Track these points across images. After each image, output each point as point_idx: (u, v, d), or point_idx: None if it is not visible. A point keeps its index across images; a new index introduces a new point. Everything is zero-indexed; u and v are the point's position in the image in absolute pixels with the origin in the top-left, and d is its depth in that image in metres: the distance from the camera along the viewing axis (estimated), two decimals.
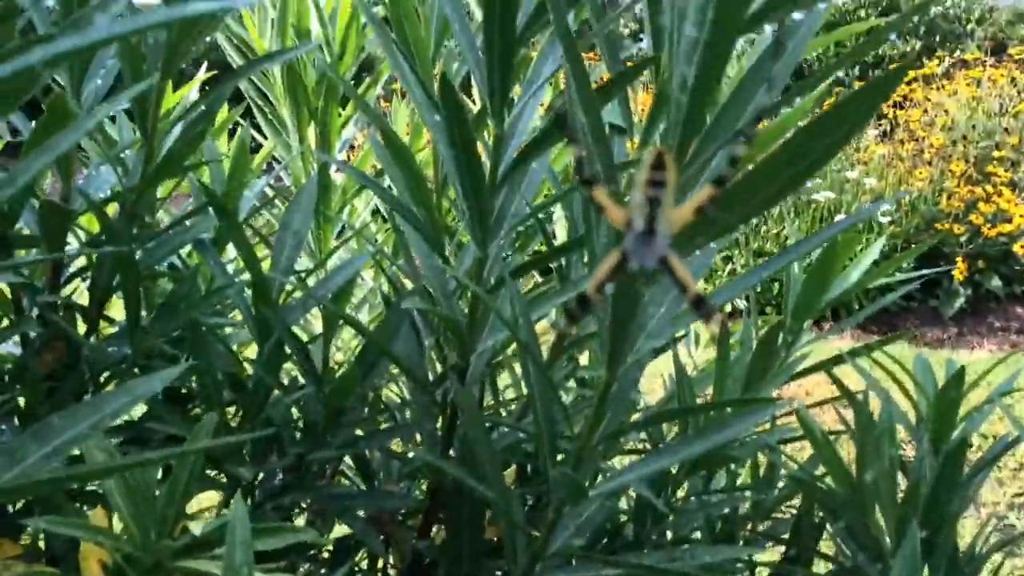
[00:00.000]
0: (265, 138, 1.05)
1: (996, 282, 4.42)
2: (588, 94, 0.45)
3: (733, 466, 0.84)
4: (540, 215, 0.70)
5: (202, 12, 0.23)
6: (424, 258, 0.71)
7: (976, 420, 0.86)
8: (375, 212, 1.12)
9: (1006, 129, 4.64)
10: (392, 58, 0.68)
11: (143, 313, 0.71)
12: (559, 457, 0.60)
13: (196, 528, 0.51)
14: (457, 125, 0.57)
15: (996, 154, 4.58)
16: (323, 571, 0.69)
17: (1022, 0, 7.35)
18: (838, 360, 0.92)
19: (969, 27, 7.04)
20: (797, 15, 0.42)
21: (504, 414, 0.84)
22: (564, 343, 0.78)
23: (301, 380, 0.72)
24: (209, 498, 0.78)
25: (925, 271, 4.29)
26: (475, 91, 0.98)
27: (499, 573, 0.70)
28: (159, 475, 0.62)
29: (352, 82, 1.04)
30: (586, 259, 0.73)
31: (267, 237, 0.84)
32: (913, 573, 0.62)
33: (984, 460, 0.87)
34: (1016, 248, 4.28)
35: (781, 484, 0.88)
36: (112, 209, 0.70)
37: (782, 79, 0.46)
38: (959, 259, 4.32)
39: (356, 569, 0.72)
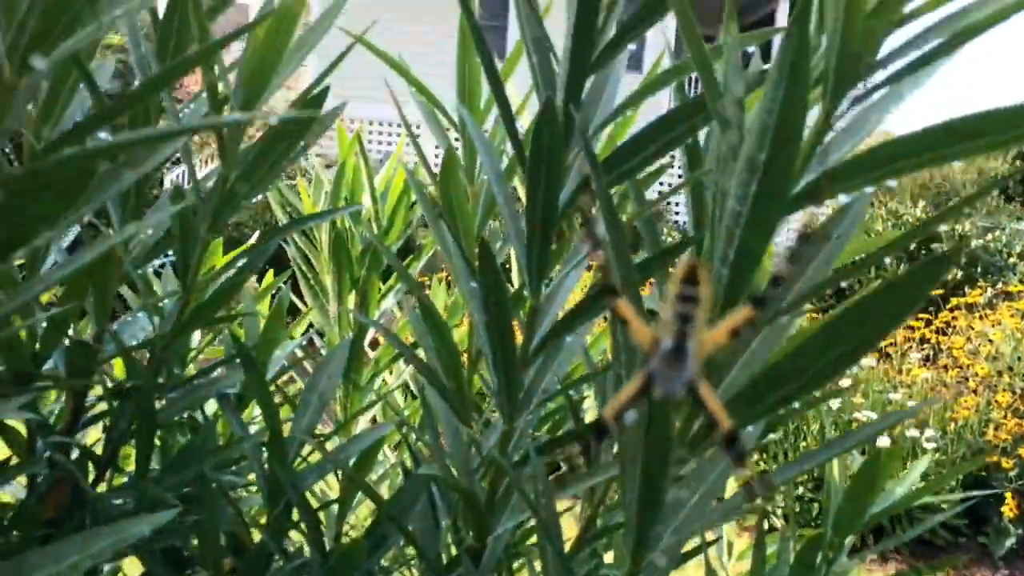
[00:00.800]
0: (306, 306, 1.07)
1: None
2: (629, 270, 0.44)
3: None
4: (572, 395, 0.68)
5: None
6: (449, 432, 0.69)
7: None
8: (404, 388, 1.11)
9: None
10: (437, 230, 0.70)
11: (155, 464, 0.69)
12: None
13: None
14: (493, 291, 0.56)
15: None
16: None
17: None
18: None
19: (1010, 260, 7.12)
20: (844, 196, 0.41)
21: None
22: (588, 534, 0.73)
23: (307, 551, 0.68)
24: None
25: (974, 493, 4.10)
26: (514, 274, 1.00)
27: None
28: None
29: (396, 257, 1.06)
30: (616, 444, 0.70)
31: (293, 400, 0.83)
32: None
33: None
34: None
35: None
36: (142, 357, 0.70)
37: (832, 260, 0.46)
38: (1008, 495, 4.12)
39: None
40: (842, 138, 0.43)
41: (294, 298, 1.00)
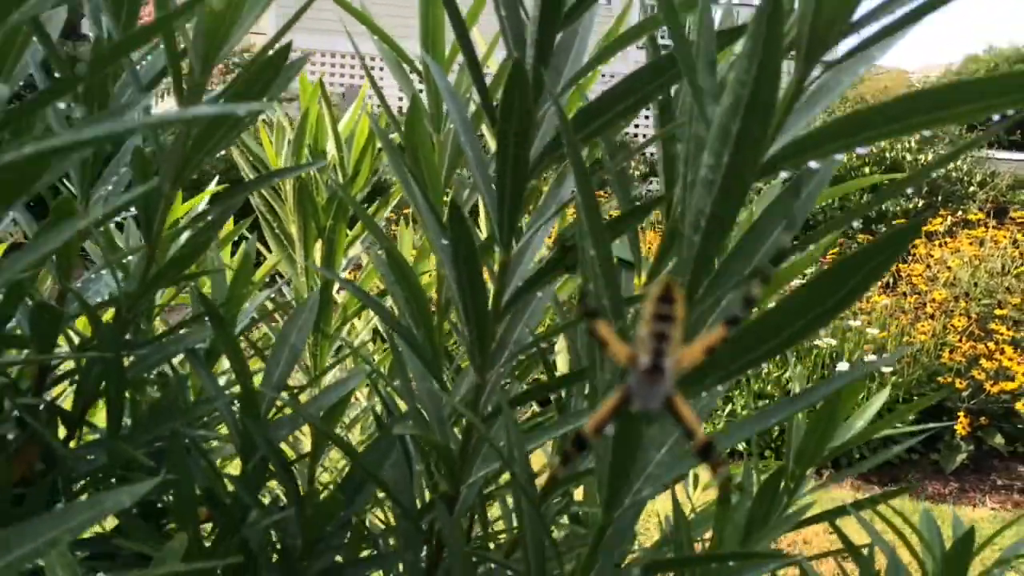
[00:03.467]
0: (270, 251, 1.06)
1: (999, 439, 4.36)
2: (598, 225, 0.44)
3: None
4: (542, 344, 0.69)
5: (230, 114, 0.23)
6: (420, 381, 0.70)
7: None
8: (374, 332, 1.11)
9: (1008, 289, 4.69)
10: (404, 182, 0.69)
11: (126, 421, 0.69)
12: None
13: None
14: (464, 250, 0.56)
15: (998, 312, 4.61)
16: None
17: (1021, 167, 7.58)
18: (841, 511, 0.89)
19: (971, 189, 7.23)
20: (813, 163, 0.42)
21: (493, 547, 0.80)
22: (559, 479, 0.75)
23: (283, 500, 0.69)
24: None
25: (930, 425, 4.24)
26: (482, 219, 0.99)
27: None
28: None
29: (363, 204, 1.05)
30: (587, 392, 0.71)
31: (263, 351, 0.83)
32: None
33: None
34: (1019, 406, 4.25)
35: None
36: (108, 314, 0.69)
37: (797, 223, 0.46)
38: (961, 414, 4.28)
39: None
40: (813, 100, 0.43)
41: (259, 245, 0.99)
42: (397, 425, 0.58)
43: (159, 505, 0.72)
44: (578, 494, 0.89)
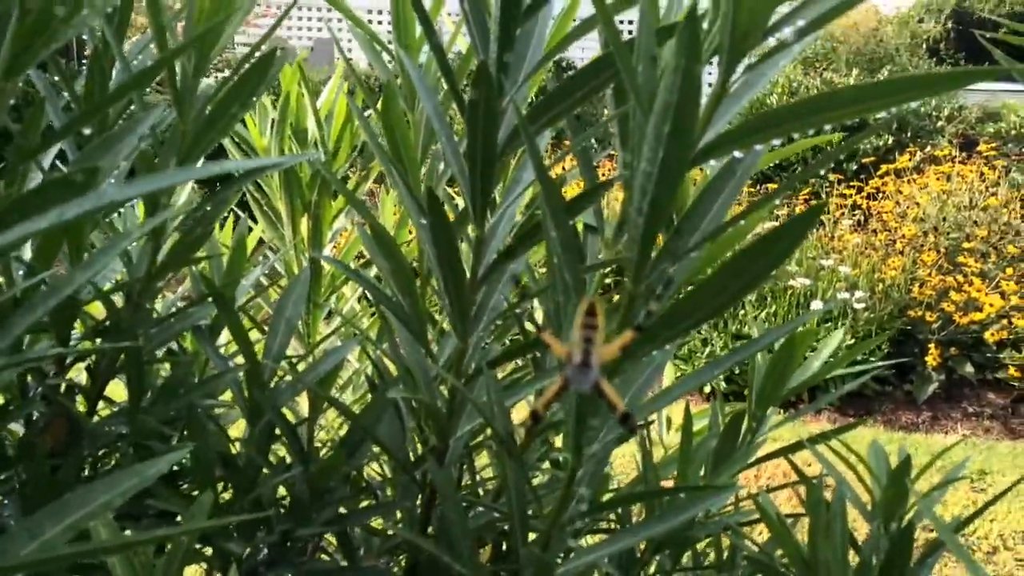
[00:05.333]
0: (255, 222, 1.11)
1: (969, 368, 4.51)
2: (559, 210, 0.51)
3: (700, 546, 0.88)
4: (517, 310, 0.76)
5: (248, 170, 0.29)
6: (408, 347, 0.76)
7: (927, 504, 0.91)
8: (362, 297, 1.18)
9: (975, 222, 4.81)
10: (383, 162, 0.75)
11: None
12: (531, 536, 0.65)
13: None
14: (442, 232, 0.63)
15: (966, 245, 4.73)
16: None
17: (990, 99, 7.66)
18: (798, 447, 0.97)
19: (939, 124, 7.32)
20: (738, 154, 0.48)
21: (481, 493, 0.88)
22: (535, 431, 0.83)
23: (287, 459, 0.77)
24: (192, 571, 0.81)
25: (900, 359, 4.38)
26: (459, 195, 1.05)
27: None
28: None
29: (346, 174, 1.11)
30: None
31: (260, 323, 0.89)
32: None
33: (937, 541, 0.91)
34: (987, 336, 4.39)
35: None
36: (117, 298, 0.76)
37: (730, 203, 0.53)
38: (932, 346, 4.42)
39: None
40: (738, 95, 0.50)
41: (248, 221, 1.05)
42: (390, 389, 0.65)
43: (174, 468, 0.79)
44: (558, 441, 0.97)
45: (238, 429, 0.97)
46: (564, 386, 0.46)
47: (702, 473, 0.88)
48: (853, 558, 0.85)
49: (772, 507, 0.83)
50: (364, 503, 0.92)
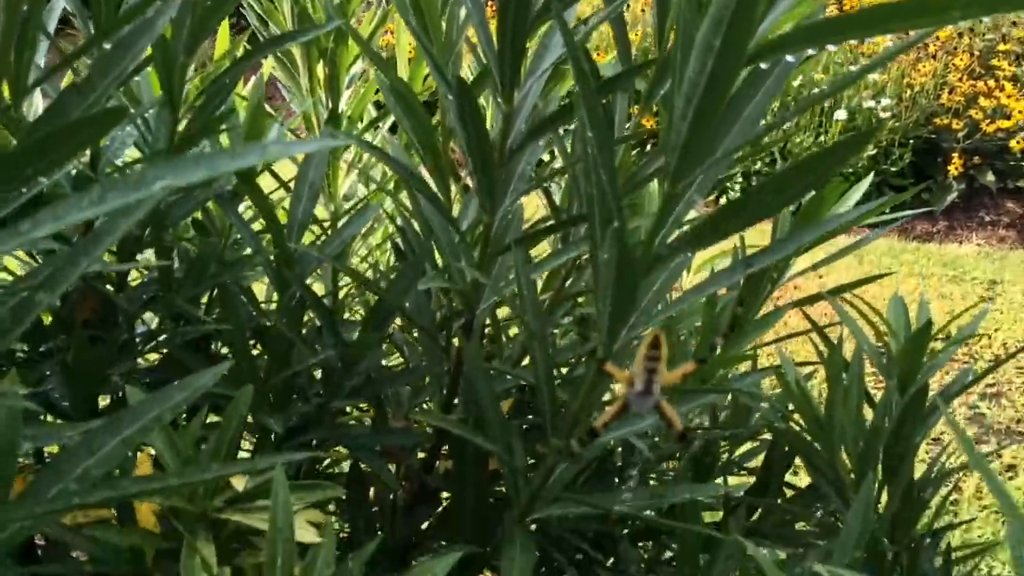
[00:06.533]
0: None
1: (990, 177, 4.45)
2: (590, 93, 0.49)
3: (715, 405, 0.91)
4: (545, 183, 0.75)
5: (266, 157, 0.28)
6: (434, 218, 0.76)
7: (941, 360, 0.93)
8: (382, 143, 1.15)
9: (1014, 22, 4.57)
10: (418, 40, 0.71)
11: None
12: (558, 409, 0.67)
13: (238, 484, 0.57)
14: (469, 115, 0.60)
15: (1001, 47, 4.52)
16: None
17: None
18: (816, 298, 0.97)
19: None
20: (790, 57, 0.45)
21: (508, 351, 0.89)
22: (562, 295, 0.84)
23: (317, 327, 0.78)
24: None
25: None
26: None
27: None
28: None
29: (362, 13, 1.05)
30: (585, 229, 0.78)
31: (287, 183, 0.88)
32: (868, 507, 0.69)
33: (950, 391, 0.94)
34: (1012, 144, 4.30)
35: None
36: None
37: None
38: (955, 154, 4.34)
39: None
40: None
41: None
42: (421, 280, 0.65)
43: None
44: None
45: (260, 288, 0.97)
46: (625, 408, 0.49)
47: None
48: (868, 413, 0.88)
49: (791, 369, 0.85)
50: (393, 358, 0.95)
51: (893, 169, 4.44)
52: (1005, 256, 4.13)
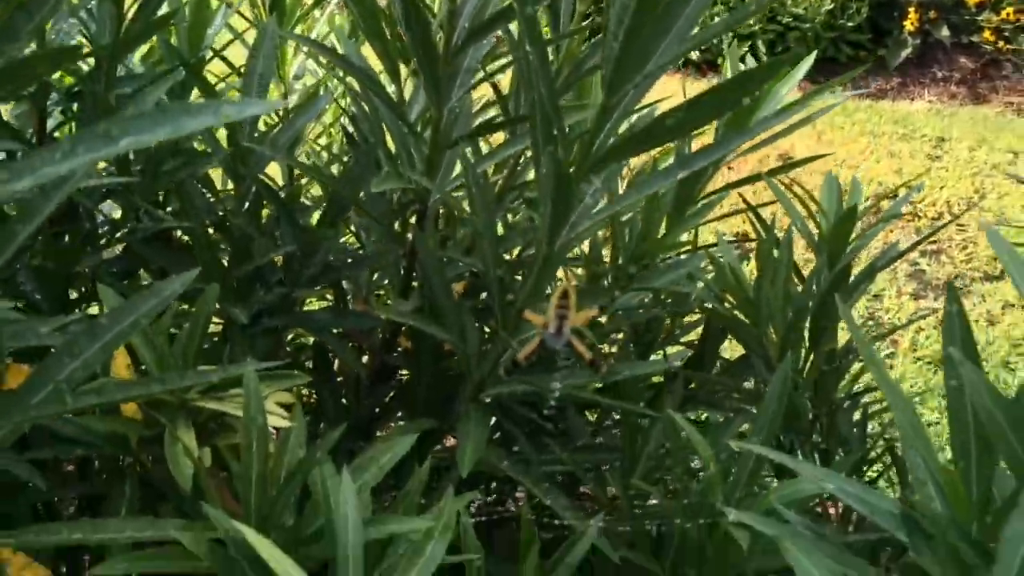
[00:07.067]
0: None
1: (945, 32, 4.45)
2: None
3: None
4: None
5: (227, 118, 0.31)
6: (383, 110, 0.77)
7: (868, 237, 0.99)
8: (331, 20, 1.14)
9: None
10: None
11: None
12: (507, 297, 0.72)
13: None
14: (413, 11, 0.62)
15: None
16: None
17: None
18: (755, 178, 1.01)
19: None
20: None
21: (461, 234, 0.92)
22: (510, 184, 0.87)
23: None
24: None
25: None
26: None
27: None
28: None
29: None
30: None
31: (238, 68, 0.88)
32: (786, 374, 0.76)
33: (876, 265, 1.00)
34: None
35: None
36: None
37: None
38: (911, 9, 4.32)
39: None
40: None
41: None
42: (374, 182, 0.67)
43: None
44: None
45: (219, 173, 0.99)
46: (542, 344, 0.57)
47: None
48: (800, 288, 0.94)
49: (727, 250, 0.91)
50: (351, 243, 0.98)
51: (850, 24, 4.41)
52: (955, 113, 4.19)
